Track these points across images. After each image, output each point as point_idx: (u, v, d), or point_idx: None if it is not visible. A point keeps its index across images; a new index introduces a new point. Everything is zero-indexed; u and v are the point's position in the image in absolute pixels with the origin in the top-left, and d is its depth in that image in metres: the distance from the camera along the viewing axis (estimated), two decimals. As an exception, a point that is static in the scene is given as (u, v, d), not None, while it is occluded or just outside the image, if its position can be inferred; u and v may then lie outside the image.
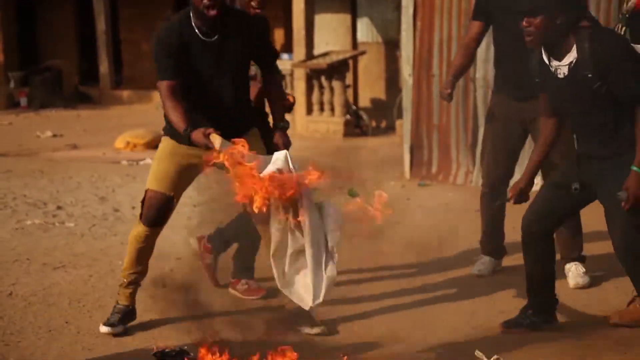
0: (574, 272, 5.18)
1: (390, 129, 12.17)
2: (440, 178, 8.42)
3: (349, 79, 12.84)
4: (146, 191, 4.44)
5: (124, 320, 4.54)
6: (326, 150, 9.73)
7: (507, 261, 5.50)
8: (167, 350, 4.19)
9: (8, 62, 18.39)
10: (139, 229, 4.47)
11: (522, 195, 4.35)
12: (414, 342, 4.37)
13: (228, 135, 4.02)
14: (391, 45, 12.74)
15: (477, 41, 5.24)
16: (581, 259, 5.24)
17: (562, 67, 4.06)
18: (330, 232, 3.87)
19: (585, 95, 4.04)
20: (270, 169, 3.81)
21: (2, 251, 6.19)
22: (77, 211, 7.50)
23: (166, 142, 4.48)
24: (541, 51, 4.12)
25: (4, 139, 12.50)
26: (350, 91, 13.00)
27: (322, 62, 12.45)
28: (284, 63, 13.17)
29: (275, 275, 3.90)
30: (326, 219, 3.87)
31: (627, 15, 4.32)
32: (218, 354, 3.86)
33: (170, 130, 4.40)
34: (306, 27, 13.27)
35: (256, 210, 3.73)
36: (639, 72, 3.98)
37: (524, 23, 4.01)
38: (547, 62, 4.11)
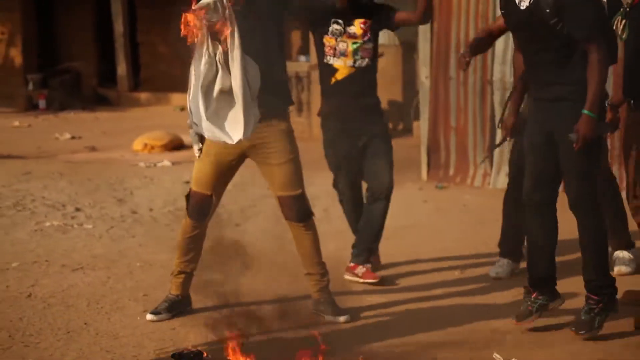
0: (619, 259, 5.26)
1: (408, 131, 12.12)
2: (457, 180, 8.39)
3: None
4: (189, 189, 4.72)
5: (171, 309, 4.75)
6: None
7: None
8: (185, 351, 4.18)
9: (27, 64, 18.48)
10: (186, 221, 4.75)
11: (514, 130, 4.65)
12: (432, 343, 4.39)
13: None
14: (408, 48, 12.70)
15: (500, 31, 5.07)
16: (628, 246, 5.32)
17: None
18: (252, 78, 4.10)
19: (541, 30, 4.13)
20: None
21: (21, 253, 6.22)
22: (96, 213, 7.52)
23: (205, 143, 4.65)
24: None
25: (23, 141, 12.54)
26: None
27: (340, 64, 12.44)
28: (301, 65, 13.21)
29: (202, 109, 4.05)
30: (247, 66, 4.08)
31: (626, 9, 4.39)
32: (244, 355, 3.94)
33: None
34: (324, 29, 13.27)
35: (190, 41, 3.99)
36: (594, 13, 4.08)
37: None
38: None
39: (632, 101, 4.59)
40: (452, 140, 8.53)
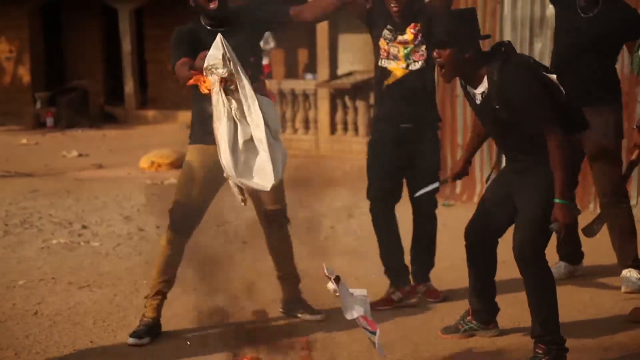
0: (627, 278, 5.27)
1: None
2: (464, 198, 8.40)
3: (372, 99, 12.85)
4: (173, 201, 4.67)
5: (150, 332, 4.65)
6: (350, 170, 9.72)
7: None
8: None
9: (35, 82, 18.58)
10: (167, 236, 4.68)
11: (458, 175, 4.73)
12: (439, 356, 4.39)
13: None
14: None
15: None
16: (636, 265, 5.33)
17: (477, 94, 4.21)
18: (271, 119, 4.11)
19: (496, 121, 4.19)
20: (211, 53, 4.04)
21: (28, 270, 6.23)
22: (102, 230, 7.55)
23: (192, 151, 4.69)
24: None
25: (31, 159, 12.61)
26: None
27: (346, 82, 12.47)
28: (307, 83, 13.24)
29: (232, 167, 4.06)
30: (263, 108, 4.10)
31: None
32: None
33: (198, 134, 4.66)
34: (330, 47, 13.30)
35: (204, 92, 4.08)
36: (540, 108, 4.04)
37: (435, 54, 4.16)
38: (468, 89, 4.26)
39: None
40: (486, 149, 8.51)
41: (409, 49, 5.09)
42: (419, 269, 5.36)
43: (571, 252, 5.64)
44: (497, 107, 4.08)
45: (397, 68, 5.14)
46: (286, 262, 4.96)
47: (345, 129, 12.31)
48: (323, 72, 13.13)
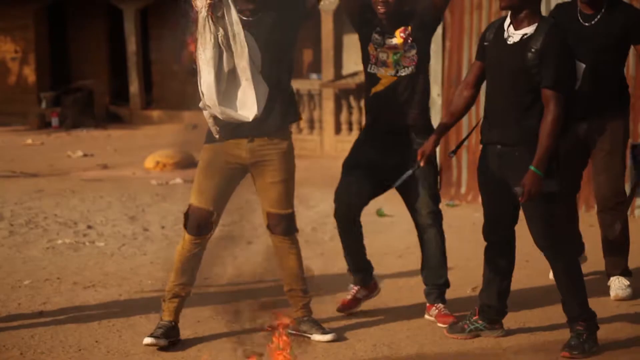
0: (616, 284, 5.24)
1: (419, 148, 12.16)
2: (469, 198, 8.40)
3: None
4: (189, 205, 4.55)
5: (168, 335, 4.55)
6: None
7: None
8: None
9: (40, 82, 18.63)
10: (184, 238, 4.59)
11: (428, 159, 4.59)
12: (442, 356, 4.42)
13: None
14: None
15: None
16: (626, 273, 5.29)
17: (516, 35, 4.29)
18: (254, 54, 4.16)
19: (519, 66, 4.24)
20: None
21: (34, 270, 6.22)
22: (107, 230, 7.55)
23: (206, 151, 4.58)
24: (505, 18, 4.36)
25: (36, 159, 12.63)
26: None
27: (351, 82, 12.49)
28: (312, 83, 13.24)
29: (215, 94, 4.10)
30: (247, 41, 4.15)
31: None
32: None
33: (206, 134, 4.54)
34: (335, 47, 13.33)
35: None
36: (567, 69, 4.33)
37: None
38: (505, 27, 4.33)
39: None
40: (463, 158, 8.55)
41: (398, 54, 4.90)
42: (432, 291, 5.02)
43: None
44: (533, 50, 4.18)
45: (385, 75, 4.94)
46: (292, 277, 4.68)
47: (350, 129, 12.33)
48: (328, 72, 13.15)
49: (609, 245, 5.25)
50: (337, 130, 12.33)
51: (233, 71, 4.14)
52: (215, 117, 4.27)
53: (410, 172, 4.65)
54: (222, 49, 4.09)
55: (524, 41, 4.25)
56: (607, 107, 5.13)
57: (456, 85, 8.60)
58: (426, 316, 5.04)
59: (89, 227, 7.67)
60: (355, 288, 5.14)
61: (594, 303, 4.50)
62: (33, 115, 17.56)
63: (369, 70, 4.99)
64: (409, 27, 4.91)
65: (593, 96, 4.99)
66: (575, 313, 4.32)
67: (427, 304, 5.05)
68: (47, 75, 18.85)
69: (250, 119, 4.16)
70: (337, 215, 5.02)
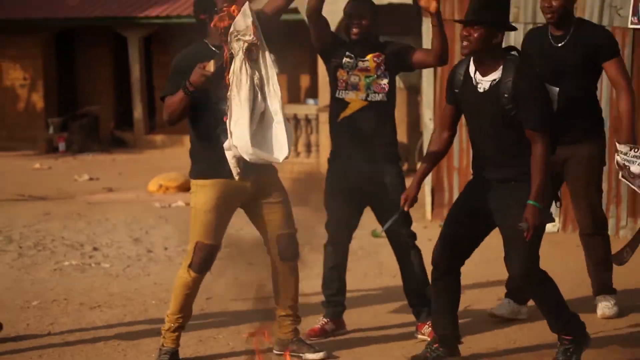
0: (602, 304, 5.21)
1: (412, 171, 12.13)
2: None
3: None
4: (196, 243, 4.41)
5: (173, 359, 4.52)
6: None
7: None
8: None
9: (48, 108, 18.67)
10: (187, 277, 4.45)
11: (412, 203, 4.49)
12: None
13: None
14: (413, 91, 12.79)
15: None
16: (610, 292, 5.27)
17: (484, 82, 4.18)
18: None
19: (496, 112, 4.15)
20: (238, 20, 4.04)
21: (41, 291, 6.22)
22: (113, 252, 7.54)
23: (205, 189, 4.41)
24: (469, 63, 4.23)
25: (44, 183, 12.64)
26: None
27: (346, 107, 12.50)
28: (309, 108, 13.30)
29: (248, 135, 4.01)
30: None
31: None
32: None
33: (206, 170, 4.39)
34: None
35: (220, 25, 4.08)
36: (545, 107, 4.17)
37: (464, 32, 4.11)
38: (472, 74, 4.21)
39: None
40: (455, 181, 8.56)
41: (370, 78, 4.81)
42: (419, 308, 5.00)
43: (519, 290, 5.16)
44: (506, 95, 4.09)
45: (355, 99, 4.82)
46: (289, 301, 4.61)
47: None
48: (324, 97, 13.15)
49: (593, 265, 5.23)
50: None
51: (263, 113, 4.07)
52: (238, 158, 4.14)
53: (395, 216, 4.56)
54: (257, 90, 4.03)
55: (494, 88, 4.14)
56: (582, 133, 5.06)
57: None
58: (418, 336, 5.00)
59: (95, 249, 7.67)
60: (325, 320, 5.07)
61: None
62: (41, 140, 17.60)
63: (337, 96, 4.88)
64: (384, 55, 4.84)
65: (567, 119, 4.90)
66: (559, 328, 4.28)
67: (418, 323, 5.02)
68: (54, 102, 18.90)
69: (281, 161, 4.09)
70: (329, 243, 5.02)
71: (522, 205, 4.10)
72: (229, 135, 4.08)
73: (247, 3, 4.05)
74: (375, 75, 4.83)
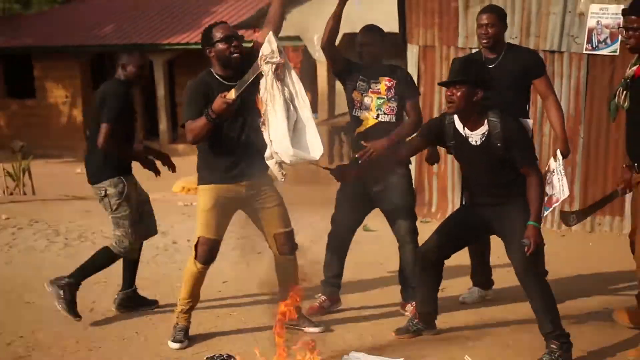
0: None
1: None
2: (438, 216, 8.44)
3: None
4: (198, 238, 4.41)
5: (186, 335, 4.58)
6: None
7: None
8: (217, 355, 4.24)
9: (86, 121, 18.69)
10: (194, 269, 4.46)
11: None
12: (402, 343, 4.48)
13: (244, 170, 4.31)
14: (398, 107, 12.84)
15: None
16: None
17: (474, 136, 4.15)
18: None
19: (493, 158, 4.14)
20: (265, 46, 4.03)
21: (84, 276, 6.32)
22: (143, 243, 7.55)
23: (206, 192, 4.44)
24: (453, 121, 4.18)
25: (84, 185, 12.25)
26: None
27: (342, 121, 12.50)
28: (311, 121, 13.34)
29: (289, 141, 3.96)
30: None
31: (627, 81, 4.25)
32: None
33: (210, 175, 4.43)
34: (329, 91, 13.45)
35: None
36: (530, 146, 4.25)
37: (448, 93, 4.08)
38: (460, 130, 4.18)
39: (636, 164, 4.40)
40: (434, 184, 8.62)
41: (381, 100, 4.84)
42: (407, 290, 5.08)
43: (484, 280, 5.39)
44: (499, 145, 4.06)
45: (368, 117, 4.86)
46: (291, 284, 4.52)
47: (341, 159, 12.39)
48: (323, 112, 13.27)
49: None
50: (331, 160, 12.36)
51: (296, 122, 4.05)
52: (280, 163, 4.08)
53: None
54: (288, 103, 4.02)
55: (486, 140, 4.11)
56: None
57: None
58: (402, 311, 5.10)
59: (128, 240, 7.73)
60: (323, 298, 5.14)
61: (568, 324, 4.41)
62: (81, 149, 17.58)
63: (353, 114, 4.94)
64: (395, 81, 4.86)
65: None
66: (549, 330, 4.13)
67: (402, 302, 5.13)
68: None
69: (318, 158, 4.06)
70: (332, 235, 5.10)
71: (517, 211, 4.13)
72: (268, 144, 4.02)
73: (270, 32, 4.08)
74: (386, 99, 4.85)
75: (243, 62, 4.30)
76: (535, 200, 4.08)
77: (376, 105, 4.85)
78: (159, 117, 18.10)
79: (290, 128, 3.99)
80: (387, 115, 4.87)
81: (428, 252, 4.45)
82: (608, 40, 7.62)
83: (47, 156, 16.65)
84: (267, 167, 4.30)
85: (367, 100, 4.87)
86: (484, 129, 4.11)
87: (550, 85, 4.97)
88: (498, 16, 4.87)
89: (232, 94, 4.14)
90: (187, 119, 4.32)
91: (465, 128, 4.15)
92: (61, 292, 4.92)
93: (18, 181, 11.40)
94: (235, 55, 4.30)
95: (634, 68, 4.20)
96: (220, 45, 4.30)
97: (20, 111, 19.39)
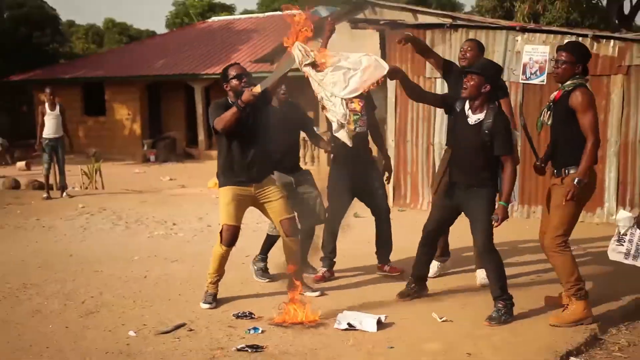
0: (480, 275, 4.98)
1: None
2: (412, 206, 8.46)
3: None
4: (223, 225, 4.36)
5: (215, 299, 4.53)
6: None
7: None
8: (241, 313, 4.25)
9: (143, 133, 18.78)
10: (220, 250, 4.41)
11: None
12: (382, 303, 4.41)
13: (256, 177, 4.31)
14: (381, 121, 12.76)
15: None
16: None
17: (472, 117, 4.11)
18: None
19: (477, 139, 4.07)
20: (296, 55, 3.93)
21: (141, 250, 6.27)
22: (185, 226, 7.55)
23: (226, 191, 4.38)
24: (465, 102, 4.14)
25: (141, 182, 12.68)
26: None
27: (338, 133, 12.52)
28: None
29: (344, 110, 3.87)
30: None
31: (550, 104, 4.21)
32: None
33: (226, 180, 4.36)
34: (328, 110, 13.32)
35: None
36: (511, 139, 4.11)
37: (465, 80, 4.05)
38: (466, 110, 4.13)
39: (554, 170, 4.21)
40: (408, 181, 8.58)
41: (357, 117, 4.88)
42: (383, 254, 5.11)
43: (443, 252, 5.17)
44: (486, 131, 4.01)
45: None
46: (294, 259, 4.50)
47: (337, 162, 12.38)
48: (323, 125, 13.19)
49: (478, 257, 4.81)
50: (329, 163, 12.33)
51: (350, 76, 3.91)
52: (347, 131, 4.03)
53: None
54: (336, 72, 3.90)
55: (479, 124, 4.05)
56: None
57: (404, 135, 8.67)
58: (379, 273, 5.09)
59: (174, 224, 7.68)
60: (323, 270, 5.09)
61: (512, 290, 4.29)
62: (139, 154, 17.68)
63: (334, 133, 4.79)
64: (363, 102, 4.90)
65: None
66: (497, 294, 4.09)
67: (379, 264, 5.14)
68: (147, 129, 18.97)
69: (387, 68, 3.99)
70: (327, 220, 5.07)
71: (480, 200, 4.04)
72: (333, 123, 3.96)
73: (297, 42, 3.98)
74: (360, 115, 4.90)
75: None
76: (507, 183, 3.97)
77: (353, 120, 4.85)
78: (198, 129, 18.09)
79: (337, 103, 3.87)
80: (362, 127, 4.94)
81: (427, 233, 4.41)
82: (538, 73, 7.64)
83: (113, 160, 16.72)
84: (270, 171, 4.44)
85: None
86: (481, 115, 4.07)
87: (510, 107, 4.81)
88: (477, 44, 4.87)
89: (258, 88, 4.14)
90: (215, 118, 4.30)
91: (470, 109, 4.11)
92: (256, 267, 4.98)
93: (91, 179, 11.49)
94: (244, 87, 4.27)
95: (555, 93, 4.18)
96: (234, 82, 4.35)
97: (94, 125, 19.44)
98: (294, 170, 4.94)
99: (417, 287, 4.58)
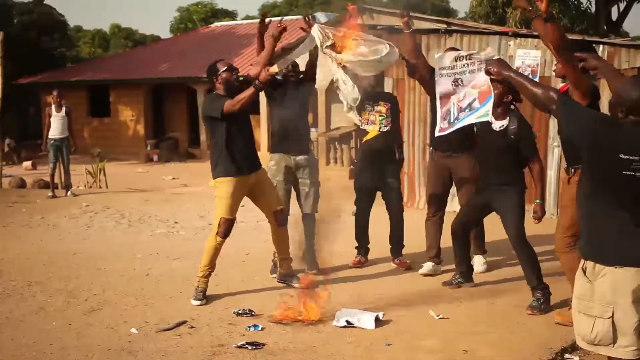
0: (477, 261, 5.11)
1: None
2: (409, 205, 8.38)
3: (352, 144, 12.91)
4: (221, 218, 4.35)
5: (204, 295, 4.47)
6: (336, 187, 9.74)
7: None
8: (241, 310, 4.19)
9: (147, 134, 18.73)
10: (214, 242, 4.38)
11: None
12: (379, 298, 4.35)
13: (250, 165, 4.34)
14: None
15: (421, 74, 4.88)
16: (484, 252, 5.23)
17: (497, 123, 4.26)
18: None
19: (503, 143, 4.23)
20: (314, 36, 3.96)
21: (143, 248, 6.23)
22: (187, 225, 7.52)
23: (227, 183, 4.33)
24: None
25: (144, 181, 12.64)
26: (353, 151, 13.05)
27: (336, 133, 12.53)
28: (312, 134, 13.23)
29: (353, 88, 3.94)
30: None
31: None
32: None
33: (227, 170, 4.32)
34: (326, 111, 13.37)
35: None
36: (535, 143, 4.34)
37: (494, 85, 3.94)
38: (490, 120, 4.09)
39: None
40: (406, 181, 8.54)
41: (382, 117, 5.13)
42: (395, 249, 5.31)
43: (436, 256, 5.12)
44: (512, 136, 4.17)
45: (373, 130, 5.13)
46: (285, 249, 4.61)
47: (335, 162, 12.37)
48: (322, 126, 13.19)
49: (475, 237, 5.05)
50: (327, 162, 12.38)
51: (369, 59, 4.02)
52: (357, 112, 4.16)
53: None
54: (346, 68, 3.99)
55: (504, 130, 4.21)
56: (459, 145, 4.87)
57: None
58: (392, 263, 5.27)
59: (176, 222, 7.65)
60: (360, 256, 5.34)
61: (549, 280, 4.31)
62: (142, 154, 17.61)
63: (361, 127, 5.17)
64: (390, 104, 5.17)
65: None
66: (535, 283, 4.16)
67: (392, 257, 5.30)
68: (150, 130, 18.92)
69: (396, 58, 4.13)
70: (357, 213, 5.32)
71: (512, 195, 4.18)
72: (345, 101, 4.00)
73: (315, 25, 4.00)
74: (385, 116, 5.14)
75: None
76: (538, 181, 4.16)
77: (379, 121, 5.13)
78: (200, 130, 18.04)
79: (349, 82, 3.91)
80: (386, 127, 5.16)
81: (456, 230, 4.53)
82: (530, 76, 7.54)
83: (117, 159, 16.68)
84: (260, 164, 4.45)
85: (372, 117, 5.13)
86: (505, 122, 4.23)
87: None
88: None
89: (275, 68, 4.14)
90: (221, 105, 4.21)
91: (493, 116, 4.16)
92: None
93: (95, 178, 11.44)
94: (236, 79, 4.31)
95: (561, 85, 4.07)
96: (225, 74, 4.31)
97: (99, 126, 19.40)
98: (298, 151, 4.89)
99: (462, 278, 4.68)
